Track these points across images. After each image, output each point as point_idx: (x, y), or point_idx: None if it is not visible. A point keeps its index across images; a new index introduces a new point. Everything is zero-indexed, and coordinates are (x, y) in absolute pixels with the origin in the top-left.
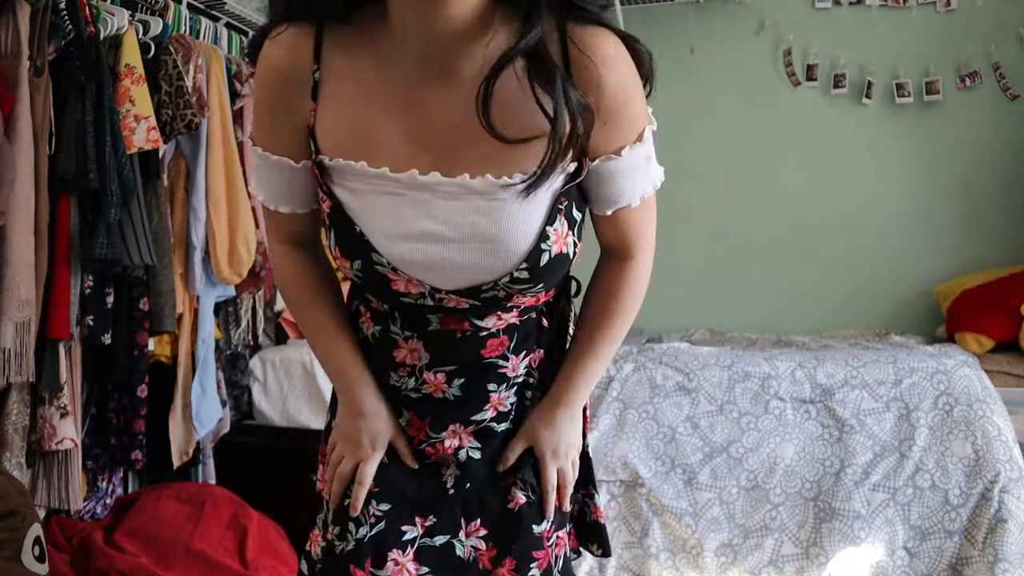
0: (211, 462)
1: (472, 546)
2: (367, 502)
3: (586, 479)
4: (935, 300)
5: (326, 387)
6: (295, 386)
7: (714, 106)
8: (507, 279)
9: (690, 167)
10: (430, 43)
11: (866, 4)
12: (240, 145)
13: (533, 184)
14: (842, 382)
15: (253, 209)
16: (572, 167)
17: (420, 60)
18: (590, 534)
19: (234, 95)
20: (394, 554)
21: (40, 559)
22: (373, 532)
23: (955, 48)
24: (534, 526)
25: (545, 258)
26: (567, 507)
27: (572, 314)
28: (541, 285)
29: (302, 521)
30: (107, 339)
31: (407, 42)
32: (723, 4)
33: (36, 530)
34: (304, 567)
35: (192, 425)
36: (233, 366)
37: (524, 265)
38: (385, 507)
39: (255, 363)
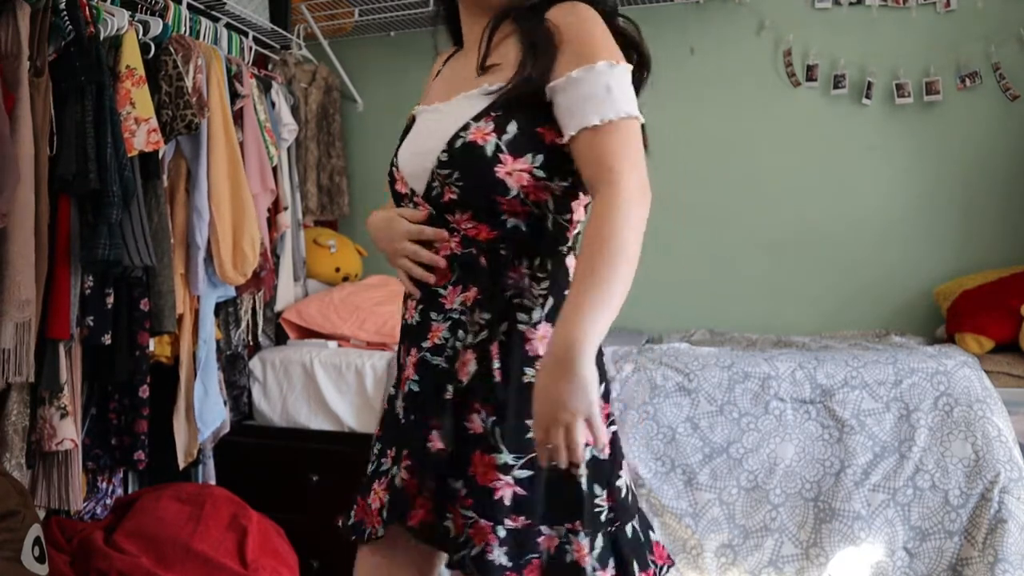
0: (211, 462)
1: (402, 476)
2: (374, 444)
3: (573, 510)
4: (935, 300)
5: (326, 387)
6: (295, 387)
7: (714, 106)
8: (436, 164)
9: (689, 167)
10: (471, 40)
11: (866, 4)
12: (241, 145)
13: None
14: (842, 382)
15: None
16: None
17: (467, 52)
18: None
19: (234, 95)
20: (376, 485)
21: (40, 559)
22: (373, 468)
23: (955, 48)
24: (450, 480)
25: (459, 143)
26: (563, 461)
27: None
28: (458, 173)
29: (302, 521)
30: (107, 339)
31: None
32: (723, 4)
33: (36, 530)
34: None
35: (196, 425)
36: (232, 366)
37: (444, 148)
38: (379, 446)
39: (255, 363)
